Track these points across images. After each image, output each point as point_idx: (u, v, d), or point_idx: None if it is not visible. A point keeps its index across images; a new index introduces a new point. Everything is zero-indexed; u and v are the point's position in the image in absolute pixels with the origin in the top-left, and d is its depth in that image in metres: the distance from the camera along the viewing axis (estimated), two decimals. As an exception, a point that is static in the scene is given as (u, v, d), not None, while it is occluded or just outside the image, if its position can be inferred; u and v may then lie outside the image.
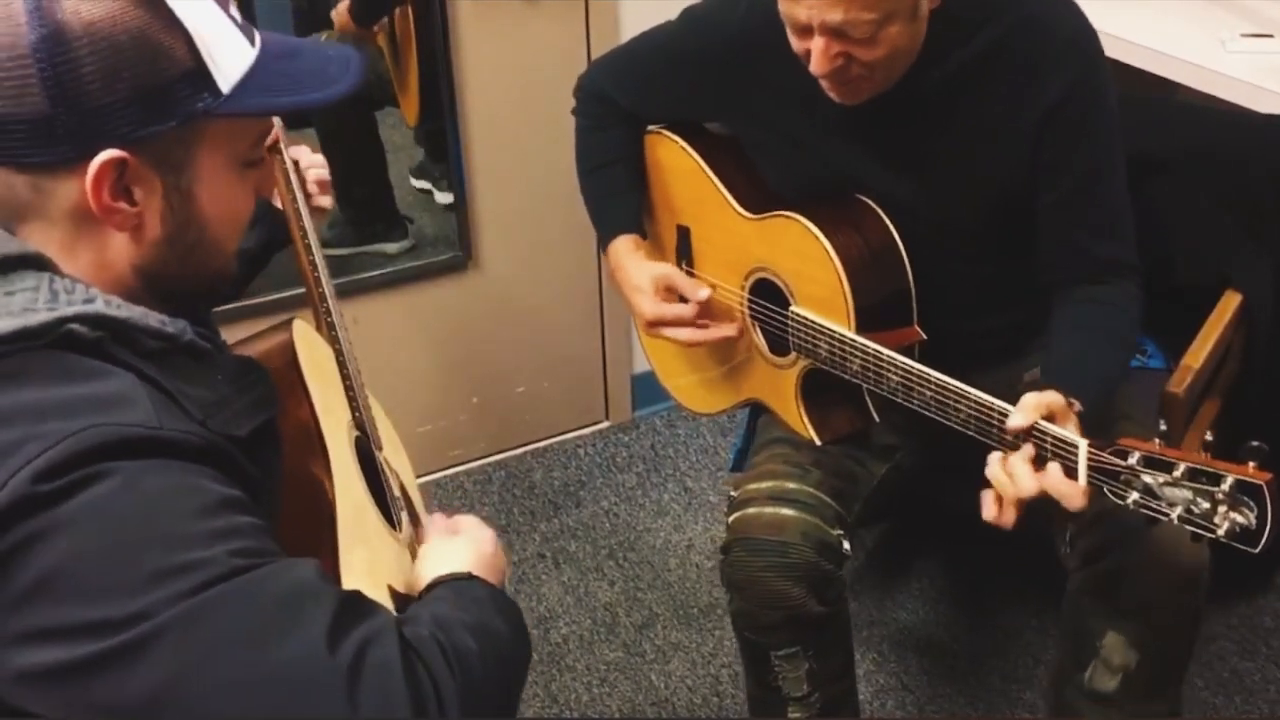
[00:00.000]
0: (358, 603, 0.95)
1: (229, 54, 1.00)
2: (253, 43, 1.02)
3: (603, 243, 1.85)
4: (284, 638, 0.88)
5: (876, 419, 1.71)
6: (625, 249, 1.80)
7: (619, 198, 1.86)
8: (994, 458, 1.41)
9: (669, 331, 1.75)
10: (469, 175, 2.48)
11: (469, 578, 1.13)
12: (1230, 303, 1.96)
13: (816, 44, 1.46)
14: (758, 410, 1.93)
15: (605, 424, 2.86)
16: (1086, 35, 1.56)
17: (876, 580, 2.42)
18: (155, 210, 1.00)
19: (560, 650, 2.29)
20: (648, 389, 2.82)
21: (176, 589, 0.86)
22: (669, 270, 1.76)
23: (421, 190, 2.62)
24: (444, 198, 2.59)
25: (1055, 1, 1.56)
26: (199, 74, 0.98)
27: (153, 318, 1.00)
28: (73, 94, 0.93)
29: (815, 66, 1.47)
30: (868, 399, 1.71)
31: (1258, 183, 2.05)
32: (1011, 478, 1.37)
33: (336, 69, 1.06)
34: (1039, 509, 1.70)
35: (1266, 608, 2.30)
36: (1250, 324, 2.00)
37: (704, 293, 1.73)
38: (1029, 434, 1.37)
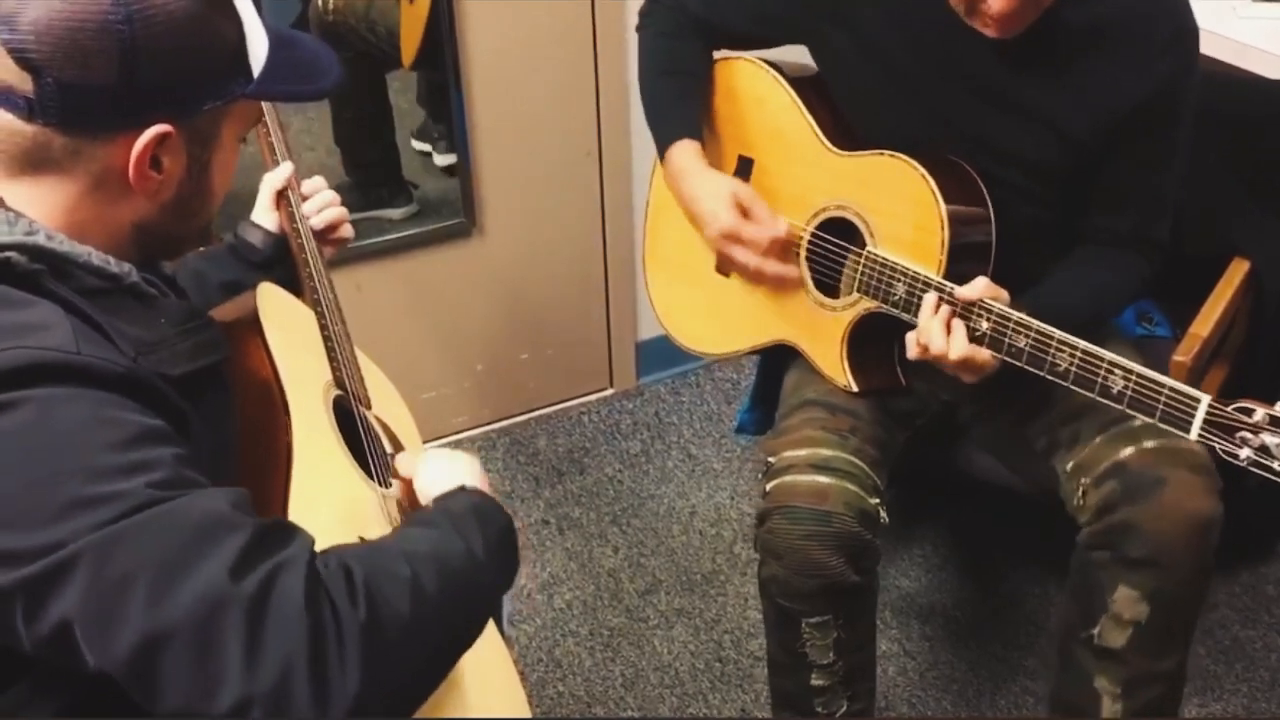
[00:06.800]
0: (274, 531, 0.94)
1: (258, 41, 1.07)
2: (266, 31, 1.09)
3: (663, 145, 1.80)
4: (192, 568, 0.88)
5: (904, 383, 1.71)
6: (693, 153, 1.76)
7: (686, 106, 1.81)
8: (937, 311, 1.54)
9: (739, 252, 1.71)
10: (473, 142, 2.47)
11: (459, 490, 1.13)
12: (1238, 270, 1.95)
13: None
14: (769, 368, 1.91)
15: (609, 391, 2.86)
16: (1194, 31, 1.61)
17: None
18: (175, 178, 1.05)
19: (564, 616, 2.30)
20: (652, 356, 2.82)
21: (93, 519, 0.88)
22: (751, 190, 1.71)
23: (422, 153, 2.61)
24: (443, 159, 2.57)
25: None
26: (240, 58, 1.05)
27: (96, 256, 1.02)
28: (144, 68, 0.97)
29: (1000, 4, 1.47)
30: (898, 363, 1.70)
31: (1268, 149, 2.04)
32: (949, 337, 1.52)
33: (326, 58, 1.14)
34: (1046, 465, 1.71)
35: (1269, 575, 2.30)
36: (1259, 291, 1.99)
37: (783, 224, 1.70)
38: (1147, 388, 1.42)
